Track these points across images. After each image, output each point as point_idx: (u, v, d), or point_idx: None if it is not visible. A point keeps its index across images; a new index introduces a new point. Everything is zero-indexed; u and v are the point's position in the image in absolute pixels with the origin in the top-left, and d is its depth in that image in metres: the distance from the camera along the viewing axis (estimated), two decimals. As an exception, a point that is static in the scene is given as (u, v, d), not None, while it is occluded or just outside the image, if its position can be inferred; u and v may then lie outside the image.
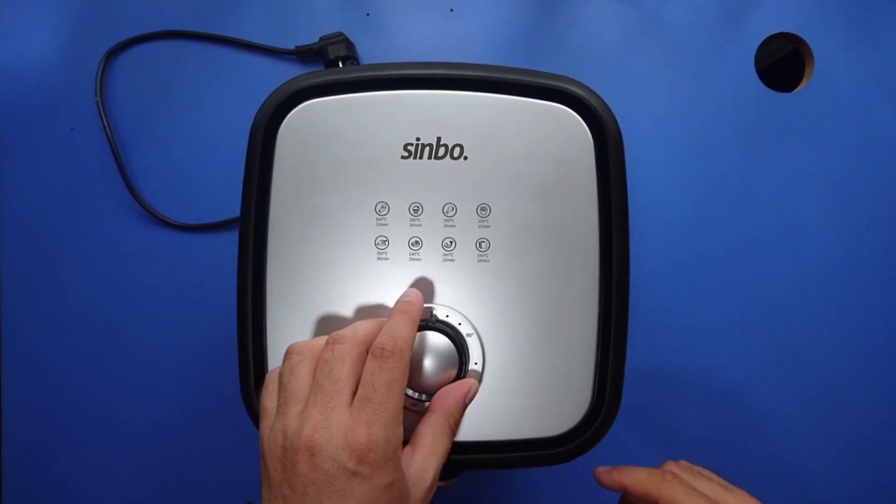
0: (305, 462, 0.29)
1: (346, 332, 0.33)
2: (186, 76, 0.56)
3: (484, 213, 0.37)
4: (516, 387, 0.37)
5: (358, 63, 0.55)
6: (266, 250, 0.37)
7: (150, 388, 0.55)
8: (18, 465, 0.56)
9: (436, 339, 0.35)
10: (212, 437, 0.55)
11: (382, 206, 0.37)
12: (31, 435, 0.56)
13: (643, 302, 0.54)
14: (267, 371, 0.37)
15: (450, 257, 0.37)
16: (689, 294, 0.55)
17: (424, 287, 0.37)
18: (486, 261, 0.37)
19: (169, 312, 0.55)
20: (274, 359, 0.37)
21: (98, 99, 0.54)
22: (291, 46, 0.55)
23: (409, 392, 0.35)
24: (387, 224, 0.37)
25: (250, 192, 0.37)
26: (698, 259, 0.55)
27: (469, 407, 0.36)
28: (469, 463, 0.38)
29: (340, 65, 0.53)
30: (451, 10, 0.56)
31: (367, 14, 0.56)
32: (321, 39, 0.54)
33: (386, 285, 0.37)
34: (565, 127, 0.36)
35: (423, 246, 0.37)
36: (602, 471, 0.39)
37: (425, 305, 0.37)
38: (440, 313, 0.37)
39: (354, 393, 0.31)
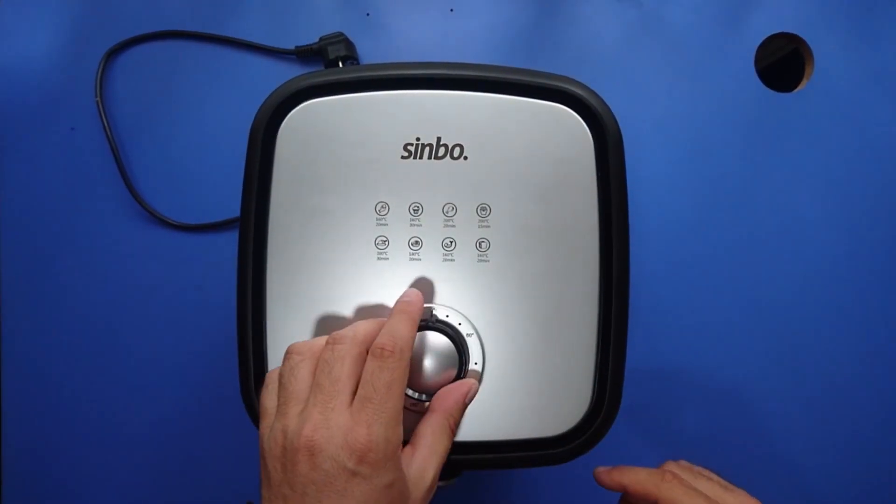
0: (305, 462, 0.29)
1: (346, 332, 0.33)
2: (186, 76, 0.56)
3: (484, 213, 0.37)
4: (516, 387, 0.37)
5: (358, 63, 0.55)
6: (266, 250, 0.37)
7: (150, 388, 0.55)
8: (18, 465, 0.56)
9: (436, 339, 0.35)
10: (212, 437, 0.55)
11: (382, 206, 0.37)
12: (31, 435, 0.56)
13: (643, 302, 0.54)
14: (267, 371, 0.37)
15: (450, 257, 0.37)
16: (689, 294, 0.55)
17: (424, 287, 0.37)
18: (486, 261, 0.37)
19: (169, 312, 0.55)
20: (274, 359, 0.37)
21: (98, 99, 0.54)
22: (291, 46, 0.55)
23: (409, 392, 0.35)
24: (387, 224, 0.37)
25: (250, 192, 0.37)
26: (698, 259, 0.55)
27: (469, 407, 0.36)
28: (469, 463, 0.38)
29: (340, 65, 0.53)
30: (451, 10, 0.56)
31: (367, 14, 0.56)
32: (321, 39, 0.54)
33: (386, 285, 0.37)
34: (565, 127, 0.36)
35: (423, 246, 0.37)
36: (602, 471, 0.38)
37: (425, 305, 0.37)
38: (440, 313, 0.37)
39: (354, 393, 0.31)
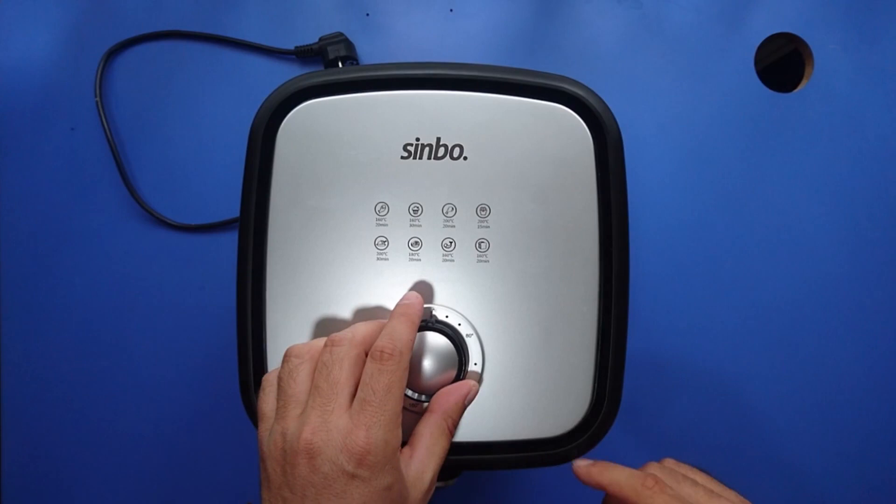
0: (305, 465, 0.29)
1: (345, 334, 0.32)
2: (186, 76, 0.56)
3: (483, 213, 0.37)
4: (516, 387, 0.37)
5: (358, 63, 0.55)
6: (266, 250, 0.37)
7: (150, 389, 0.55)
8: (18, 465, 0.56)
9: (435, 340, 0.35)
10: (212, 437, 0.55)
11: (382, 207, 0.37)
12: (31, 435, 0.56)
13: (643, 302, 0.54)
14: (266, 372, 0.37)
15: (449, 258, 0.37)
16: (689, 294, 0.55)
17: (424, 287, 0.37)
18: (485, 261, 0.37)
19: (168, 313, 0.55)
20: (274, 359, 0.37)
21: (98, 99, 0.54)
22: (291, 46, 0.55)
23: (409, 392, 0.35)
24: (386, 224, 0.37)
25: (250, 192, 0.37)
26: (698, 259, 0.55)
27: (469, 407, 0.36)
28: (469, 463, 0.38)
29: (340, 65, 0.53)
30: (451, 10, 0.56)
31: (367, 14, 0.56)
32: (321, 39, 0.54)
33: (385, 286, 0.37)
34: (565, 127, 0.36)
35: (423, 246, 0.37)
36: (580, 465, 0.36)
37: (425, 306, 0.36)
38: (440, 314, 0.37)
39: (353, 395, 0.31)
